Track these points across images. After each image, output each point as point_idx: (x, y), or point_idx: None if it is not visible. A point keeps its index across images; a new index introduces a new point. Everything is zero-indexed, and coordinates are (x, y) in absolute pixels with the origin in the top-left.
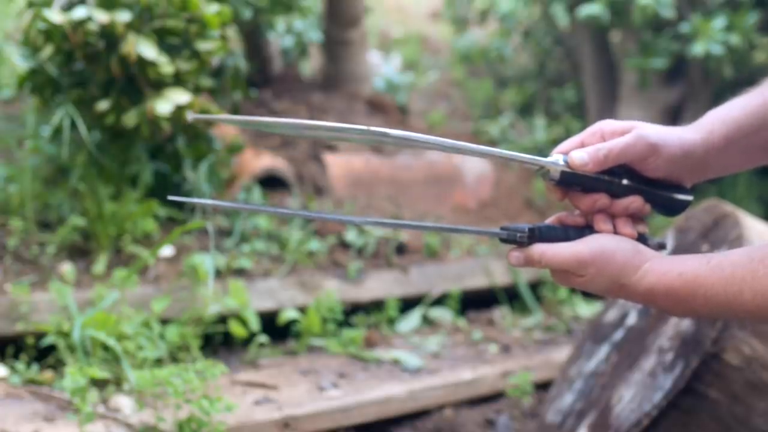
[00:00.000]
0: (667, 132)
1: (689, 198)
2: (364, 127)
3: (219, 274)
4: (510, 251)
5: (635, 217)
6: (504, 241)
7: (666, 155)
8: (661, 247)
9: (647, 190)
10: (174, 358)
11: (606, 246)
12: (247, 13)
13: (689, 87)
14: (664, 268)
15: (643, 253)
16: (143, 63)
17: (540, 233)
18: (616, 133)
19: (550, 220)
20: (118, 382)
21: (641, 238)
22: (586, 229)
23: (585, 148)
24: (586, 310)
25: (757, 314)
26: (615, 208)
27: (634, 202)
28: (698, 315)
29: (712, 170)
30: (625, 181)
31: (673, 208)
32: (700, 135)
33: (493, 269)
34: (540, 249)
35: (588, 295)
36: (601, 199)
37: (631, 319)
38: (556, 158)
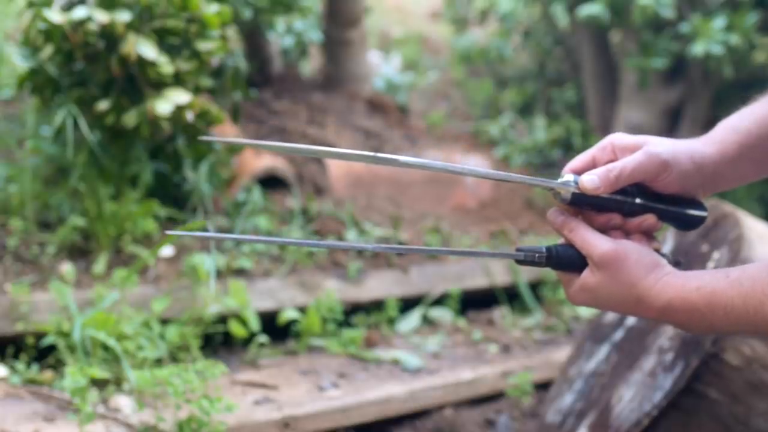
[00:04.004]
0: (678, 147)
1: (704, 214)
2: (371, 154)
3: (219, 274)
4: (553, 210)
5: (648, 234)
6: (520, 262)
7: (678, 171)
8: (677, 263)
9: (660, 207)
10: (174, 358)
11: (630, 250)
12: (247, 13)
13: (689, 87)
14: (681, 282)
15: (662, 267)
16: (143, 63)
17: (557, 253)
18: (626, 149)
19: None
20: (118, 382)
21: None
22: None
23: (595, 170)
24: (586, 310)
25: None
26: (628, 226)
27: (647, 220)
28: (716, 331)
29: (724, 182)
30: (638, 200)
31: (687, 224)
32: (713, 147)
33: (493, 269)
34: (575, 224)
35: None
36: (614, 219)
37: (631, 319)
38: (567, 179)
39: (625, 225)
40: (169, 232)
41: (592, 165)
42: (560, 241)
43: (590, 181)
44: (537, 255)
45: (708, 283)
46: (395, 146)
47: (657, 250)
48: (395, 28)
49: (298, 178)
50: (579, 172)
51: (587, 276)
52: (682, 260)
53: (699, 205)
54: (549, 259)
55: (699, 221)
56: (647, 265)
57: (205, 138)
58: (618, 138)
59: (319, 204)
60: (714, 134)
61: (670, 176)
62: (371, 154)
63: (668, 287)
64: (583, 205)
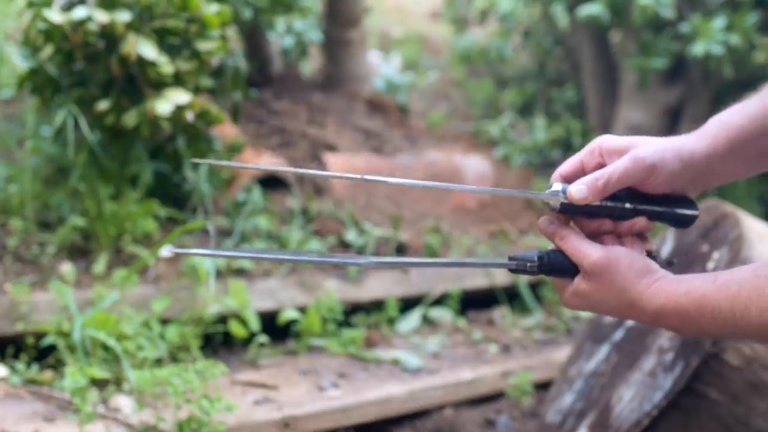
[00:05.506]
0: (666, 147)
1: (695, 212)
2: (359, 176)
3: (219, 274)
4: (543, 219)
5: (641, 236)
6: (513, 271)
7: (666, 172)
8: (669, 263)
9: (651, 209)
10: (174, 358)
11: (620, 256)
12: (247, 13)
13: (689, 87)
14: (672, 287)
15: (654, 272)
16: (143, 63)
17: (549, 260)
18: (614, 152)
19: None
20: (118, 382)
21: (649, 256)
22: None
23: (583, 179)
24: None
25: (763, 331)
26: (620, 229)
27: (638, 223)
28: (706, 334)
29: (715, 178)
30: (627, 205)
31: (679, 223)
32: (705, 142)
33: (493, 269)
34: (565, 232)
35: None
36: (606, 224)
37: None
38: (555, 189)
39: (616, 229)
40: (178, 251)
41: (581, 169)
42: (552, 246)
43: (578, 191)
44: (529, 264)
45: (698, 287)
46: (395, 146)
47: (649, 252)
48: (395, 28)
49: (298, 178)
50: (568, 178)
51: (579, 282)
52: (676, 261)
53: (690, 204)
54: (541, 267)
55: (691, 220)
56: (638, 271)
57: (197, 160)
58: (606, 141)
59: (319, 204)
60: (706, 129)
61: (659, 178)
62: (359, 176)
63: (660, 292)
64: (573, 212)
